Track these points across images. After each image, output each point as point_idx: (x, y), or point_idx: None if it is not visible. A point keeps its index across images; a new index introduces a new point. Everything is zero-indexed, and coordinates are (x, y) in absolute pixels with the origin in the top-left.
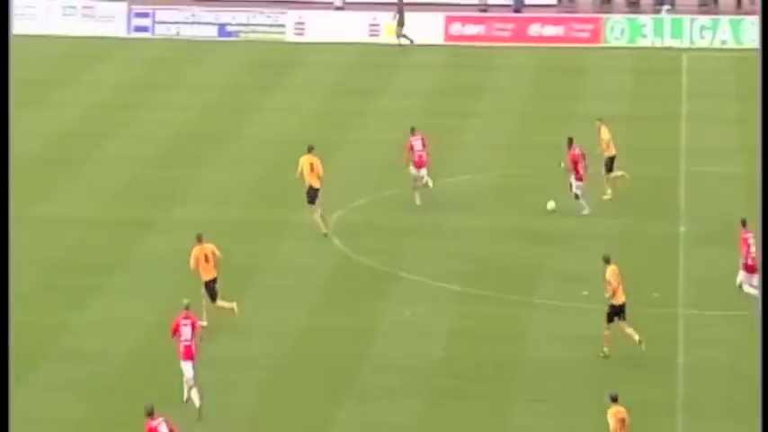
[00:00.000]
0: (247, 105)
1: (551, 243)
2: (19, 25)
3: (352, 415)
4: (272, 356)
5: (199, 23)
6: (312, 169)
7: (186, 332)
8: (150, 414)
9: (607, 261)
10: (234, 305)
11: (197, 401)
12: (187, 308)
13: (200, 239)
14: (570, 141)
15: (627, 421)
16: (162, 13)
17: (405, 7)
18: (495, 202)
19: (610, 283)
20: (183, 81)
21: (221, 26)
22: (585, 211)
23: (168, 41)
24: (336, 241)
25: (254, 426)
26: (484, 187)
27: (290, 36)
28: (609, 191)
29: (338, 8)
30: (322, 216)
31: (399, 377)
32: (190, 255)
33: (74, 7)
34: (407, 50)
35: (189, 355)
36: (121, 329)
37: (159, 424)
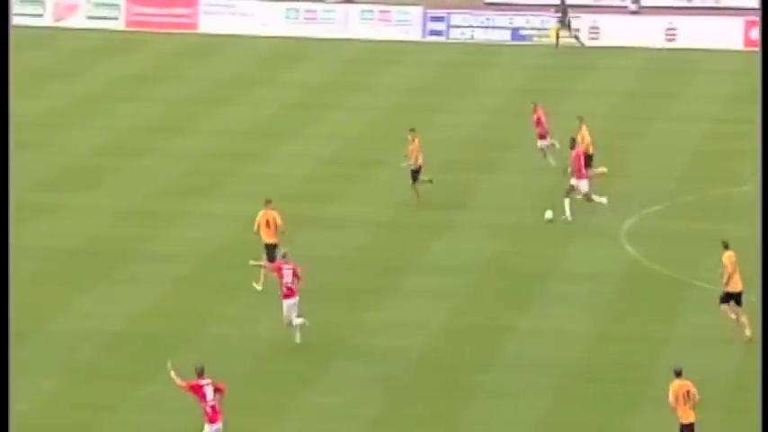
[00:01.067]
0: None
1: None
2: (317, 29)
3: (646, 423)
4: (564, 362)
5: (492, 27)
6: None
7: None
8: (200, 374)
9: (726, 246)
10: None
11: None
12: (284, 255)
13: (267, 204)
14: (573, 142)
15: (692, 393)
16: (457, 17)
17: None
18: None
19: (726, 268)
20: (476, 85)
21: (515, 30)
22: (604, 201)
23: (462, 45)
24: (629, 248)
25: (547, 430)
26: None
27: (584, 40)
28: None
29: (633, 12)
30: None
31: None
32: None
33: (371, 11)
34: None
35: None
36: (413, 331)
37: (207, 385)
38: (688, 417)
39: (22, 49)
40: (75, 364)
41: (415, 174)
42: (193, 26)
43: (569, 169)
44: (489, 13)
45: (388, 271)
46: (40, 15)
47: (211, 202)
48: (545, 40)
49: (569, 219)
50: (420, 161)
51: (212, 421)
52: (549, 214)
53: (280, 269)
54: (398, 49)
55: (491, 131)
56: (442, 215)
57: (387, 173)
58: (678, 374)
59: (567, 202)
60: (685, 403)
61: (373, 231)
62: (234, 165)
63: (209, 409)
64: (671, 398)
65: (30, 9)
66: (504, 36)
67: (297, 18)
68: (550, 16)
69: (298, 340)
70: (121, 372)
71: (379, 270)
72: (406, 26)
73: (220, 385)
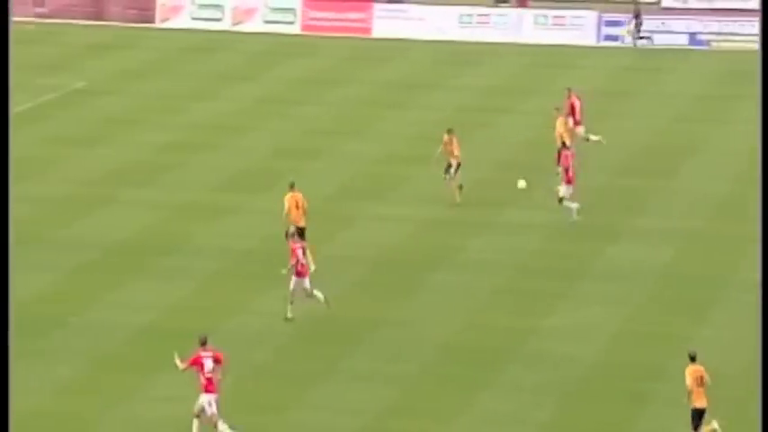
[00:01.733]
0: (715, 116)
1: None
2: (490, 33)
3: None
4: (741, 373)
5: (670, 32)
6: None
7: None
8: (203, 344)
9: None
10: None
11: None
12: (292, 235)
13: (291, 187)
14: (563, 144)
15: (705, 379)
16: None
17: None
18: None
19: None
20: (651, 90)
21: (692, 35)
22: (573, 217)
23: (638, 50)
24: None
25: None
26: None
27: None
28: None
29: None
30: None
31: None
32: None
33: (545, 17)
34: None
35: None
36: (587, 336)
37: (207, 357)
38: (701, 401)
39: (201, 52)
40: (251, 363)
41: (449, 168)
42: (367, 31)
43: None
44: (666, 17)
45: (561, 276)
46: (219, 20)
47: (383, 204)
48: (724, 45)
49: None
50: (457, 159)
51: (208, 391)
52: (521, 183)
53: (294, 250)
54: (572, 53)
55: (667, 137)
56: (617, 221)
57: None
58: (693, 359)
59: (568, 204)
60: (699, 387)
61: (547, 236)
62: (405, 168)
63: (204, 380)
64: (688, 382)
65: (209, 13)
66: (681, 40)
67: (470, 22)
68: (730, 20)
69: (289, 314)
70: (295, 372)
71: (552, 275)
72: (581, 30)
73: (219, 355)
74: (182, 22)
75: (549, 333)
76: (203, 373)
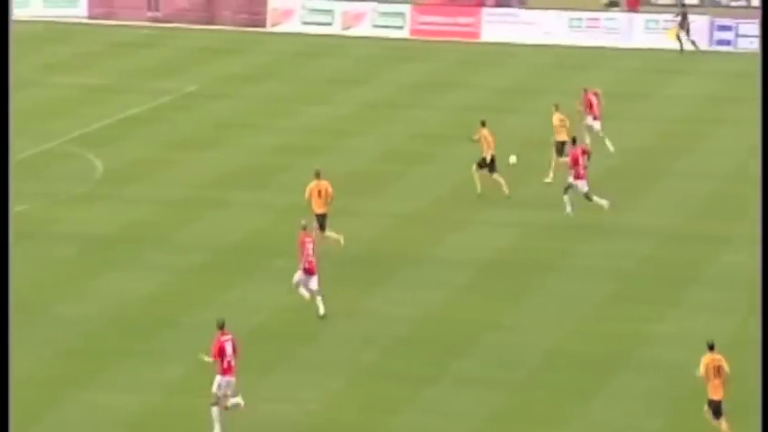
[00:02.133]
0: None
1: None
2: (600, 38)
3: None
4: None
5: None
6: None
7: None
8: (222, 329)
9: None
10: (341, 237)
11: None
12: (304, 228)
13: (318, 175)
14: (573, 140)
15: (723, 369)
16: (745, 27)
17: None
18: None
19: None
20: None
21: None
22: (605, 205)
23: (751, 55)
24: None
25: None
26: None
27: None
28: (551, 174)
29: None
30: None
31: None
32: None
33: (656, 21)
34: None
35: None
36: (698, 343)
37: (227, 341)
38: (717, 392)
39: (312, 57)
40: (360, 364)
41: (487, 163)
42: (476, 35)
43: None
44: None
45: (672, 282)
46: (329, 24)
47: (493, 209)
48: None
49: (570, 214)
50: (491, 152)
51: (225, 374)
52: (512, 159)
53: (304, 243)
54: (683, 58)
55: None
56: (729, 227)
57: (673, 182)
58: (711, 348)
59: (566, 198)
60: (715, 377)
61: (658, 242)
62: (515, 172)
63: (225, 364)
64: (702, 370)
65: (319, 18)
66: None
67: (580, 27)
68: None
69: (322, 311)
70: (405, 374)
71: (663, 281)
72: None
73: (236, 345)
74: (292, 26)
75: (659, 340)
76: (224, 357)
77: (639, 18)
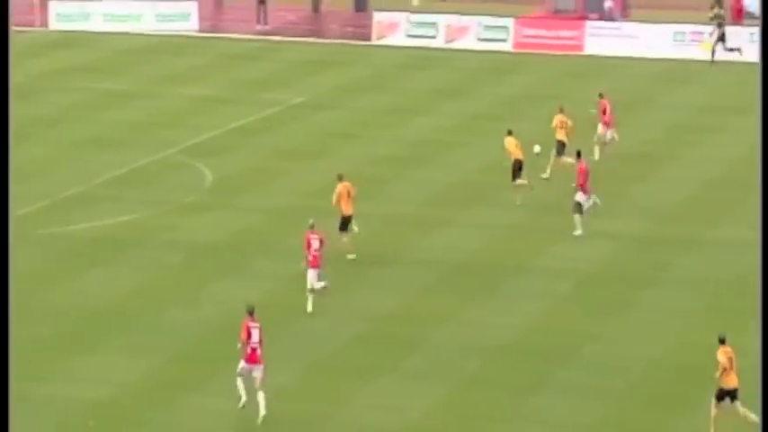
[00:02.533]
0: None
1: None
2: (705, 51)
3: None
4: None
5: None
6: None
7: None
8: (251, 314)
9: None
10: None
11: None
12: (312, 227)
13: (341, 178)
14: (578, 154)
15: (734, 361)
16: None
17: None
18: None
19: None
20: None
21: None
22: (577, 232)
23: None
24: None
25: None
26: None
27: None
28: (548, 171)
29: None
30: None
31: None
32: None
33: (754, 34)
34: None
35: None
36: None
37: (255, 328)
38: (733, 382)
39: (416, 69)
40: (462, 373)
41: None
42: (579, 48)
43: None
44: None
45: None
46: (434, 37)
47: (595, 220)
48: None
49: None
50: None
51: (251, 361)
52: (537, 148)
53: (309, 240)
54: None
55: None
56: None
57: None
58: (722, 342)
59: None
60: (732, 369)
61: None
62: (617, 184)
63: (249, 350)
64: (722, 361)
65: (423, 31)
66: None
67: (683, 40)
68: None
69: (310, 308)
70: (507, 383)
71: None
72: None
73: (262, 334)
74: (397, 39)
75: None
76: (249, 343)
77: (744, 32)
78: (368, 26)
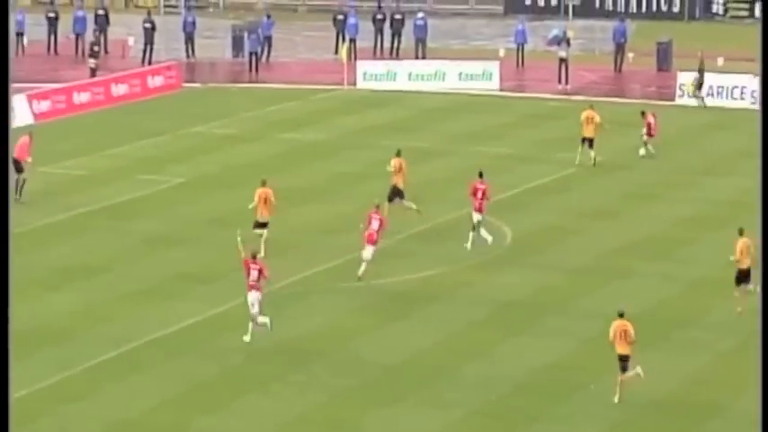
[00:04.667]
0: None
1: None
2: None
3: None
4: None
5: None
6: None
7: None
8: (254, 258)
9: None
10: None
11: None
12: (377, 206)
13: (263, 183)
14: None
15: (629, 333)
16: None
17: None
18: None
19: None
20: None
21: None
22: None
23: None
24: None
25: None
26: None
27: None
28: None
29: None
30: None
31: None
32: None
33: None
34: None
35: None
36: None
37: (255, 269)
38: (623, 349)
39: (719, 129)
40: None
41: None
42: None
43: None
44: None
45: None
46: (739, 98)
47: None
48: None
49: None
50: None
51: (250, 290)
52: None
53: (370, 218)
54: None
55: None
56: None
57: None
58: (621, 315)
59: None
60: (622, 339)
61: None
62: None
63: (249, 284)
64: (610, 334)
65: (727, 91)
66: None
67: None
68: None
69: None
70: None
71: None
72: None
73: (264, 269)
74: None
75: None
76: (249, 279)
77: None
78: (671, 86)
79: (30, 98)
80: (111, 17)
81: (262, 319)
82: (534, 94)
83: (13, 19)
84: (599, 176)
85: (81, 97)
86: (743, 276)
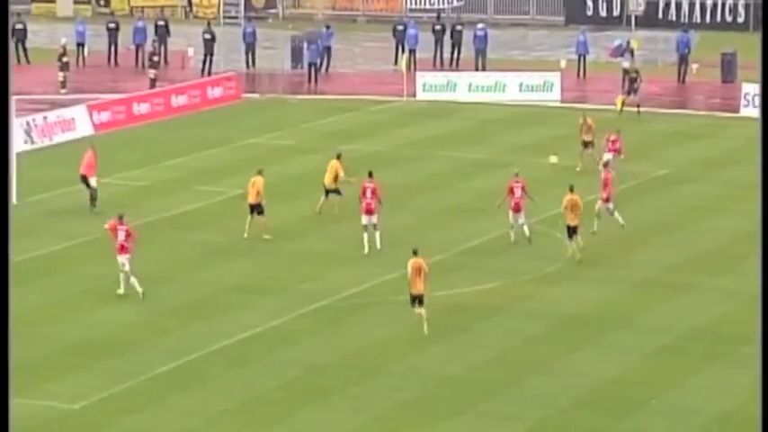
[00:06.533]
0: None
1: None
2: None
3: None
4: None
5: None
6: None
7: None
8: (120, 219)
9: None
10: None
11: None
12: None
13: (260, 172)
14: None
15: (423, 270)
16: None
17: None
18: None
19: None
20: None
21: None
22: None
23: None
24: None
25: None
26: None
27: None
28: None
29: None
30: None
31: None
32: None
33: None
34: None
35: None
36: None
37: (121, 230)
38: (417, 288)
39: None
40: None
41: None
42: None
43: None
44: None
45: None
46: None
47: None
48: None
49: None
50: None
51: (121, 252)
52: (553, 158)
53: (364, 189)
54: None
55: None
56: None
57: None
58: (415, 253)
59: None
60: (417, 276)
61: None
62: None
63: (118, 245)
64: (409, 272)
65: None
66: None
67: None
68: None
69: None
70: None
71: None
72: None
73: (131, 231)
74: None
75: None
76: (117, 241)
77: None
78: (736, 98)
79: (90, 109)
80: (171, 28)
81: (139, 288)
82: (596, 105)
83: (73, 30)
84: (659, 190)
85: (141, 108)
86: None
